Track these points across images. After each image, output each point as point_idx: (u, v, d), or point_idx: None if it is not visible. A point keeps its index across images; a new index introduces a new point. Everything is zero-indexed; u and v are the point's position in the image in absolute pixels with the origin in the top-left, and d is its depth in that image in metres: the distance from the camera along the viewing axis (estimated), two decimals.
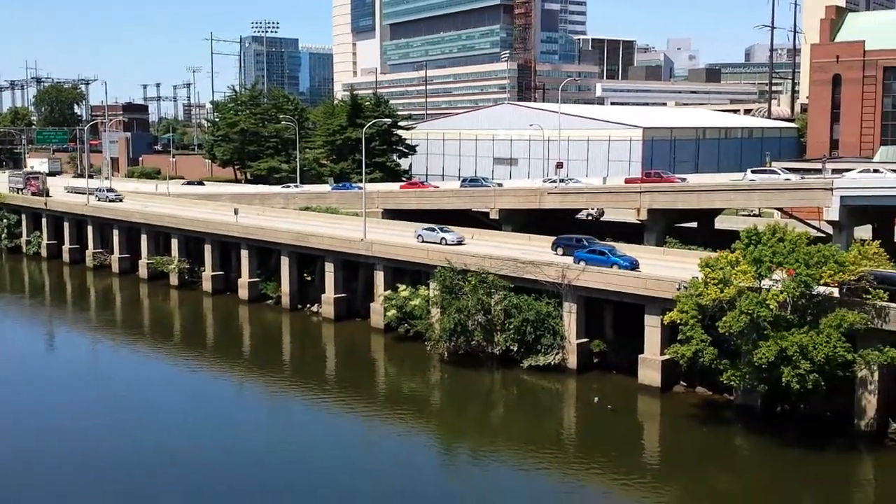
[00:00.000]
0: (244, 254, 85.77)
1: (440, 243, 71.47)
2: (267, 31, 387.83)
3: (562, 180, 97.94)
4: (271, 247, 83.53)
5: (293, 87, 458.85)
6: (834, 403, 48.70)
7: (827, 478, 43.18)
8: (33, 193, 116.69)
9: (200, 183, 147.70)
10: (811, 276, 45.79)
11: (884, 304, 45.54)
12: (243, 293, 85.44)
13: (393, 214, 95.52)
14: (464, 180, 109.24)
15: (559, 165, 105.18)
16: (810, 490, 42.17)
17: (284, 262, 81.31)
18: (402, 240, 74.67)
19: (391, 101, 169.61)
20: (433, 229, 74.93)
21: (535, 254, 66.10)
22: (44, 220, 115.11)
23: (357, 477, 43.57)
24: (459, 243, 72.01)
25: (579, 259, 62.03)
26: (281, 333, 77.21)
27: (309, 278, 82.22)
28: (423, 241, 73.18)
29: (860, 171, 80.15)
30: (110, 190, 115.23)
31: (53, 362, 69.94)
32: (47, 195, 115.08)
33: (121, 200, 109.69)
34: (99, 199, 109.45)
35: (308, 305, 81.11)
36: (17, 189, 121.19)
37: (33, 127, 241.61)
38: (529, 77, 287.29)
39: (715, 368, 48.92)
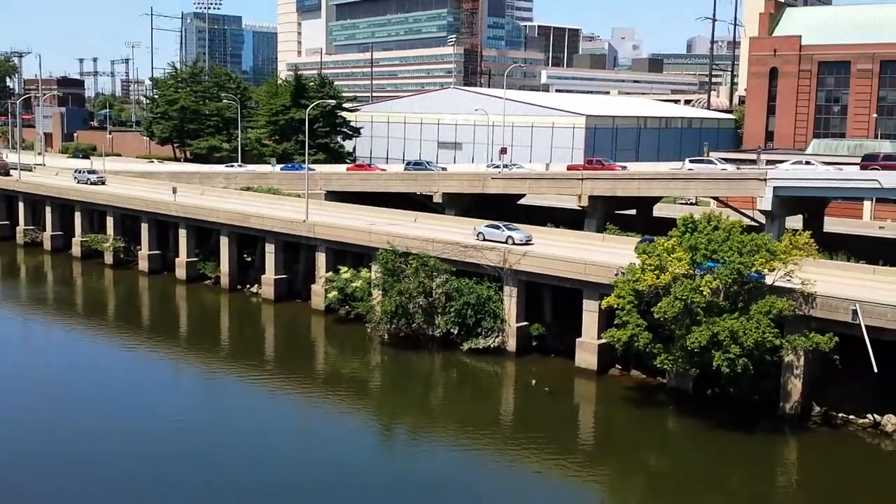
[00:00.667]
0: (182, 233, 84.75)
1: (506, 242, 63.66)
2: (209, 8, 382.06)
3: (505, 166, 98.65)
4: (211, 227, 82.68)
5: (236, 65, 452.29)
6: (762, 387, 50.21)
7: (753, 459, 44.59)
8: None
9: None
10: (744, 263, 47.07)
11: (811, 291, 47.04)
12: (181, 273, 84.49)
13: (336, 196, 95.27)
14: (408, 163, 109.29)
15: (503, 151, 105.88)
16: (737, 470, 43.51)
17: (224, 243, 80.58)
18: (345, 221, 74.56)
19: (336, 83, 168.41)
20: (497, 227, 65.93)
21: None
22: None
23: (293, 459, 43.67)
24: (527, 243, 64.30)
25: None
26: (219, 314, 76.60)
27: (249, 259, 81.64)
28: (484, 240, 64.79)
29: (793, 163, 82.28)
30: (92, 171, 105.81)
31: None
32: (7, 174, 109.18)
33: (103, 183, 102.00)
34: (79, 182, 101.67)
35: (248, 286, 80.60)
36: None
37: None
38: (475, 62, 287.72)
39: (649, 352, 50.04)
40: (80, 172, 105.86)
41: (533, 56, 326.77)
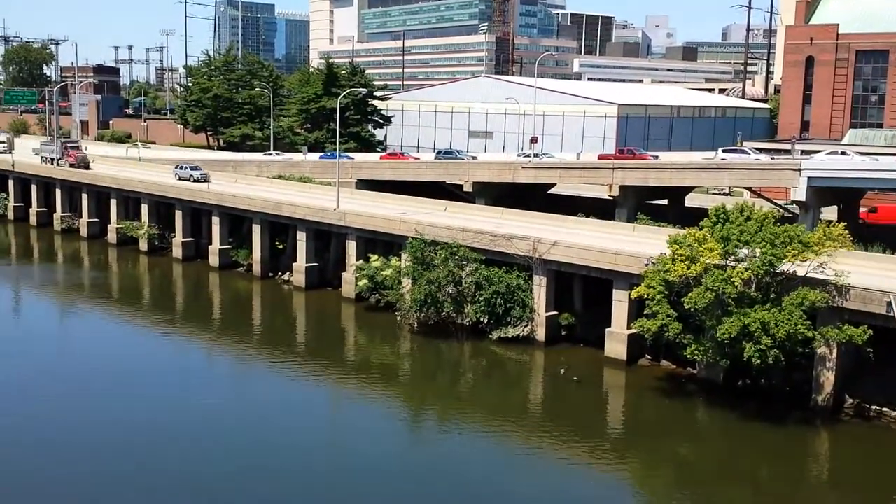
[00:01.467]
0: (215, 221, 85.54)
1: (189, 180, 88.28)
2: None
3: (536, 155, 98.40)
4: (243, 214, 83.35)
5: (268, 53, 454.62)
6: (793, 379, 49.83)
7: (784, 450, 44.32)
8: (71, 165, 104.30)
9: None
10: (776, 255, 46.69)
11: (844, 283, 46.56)
12: (214, 260, 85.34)
13: (367, 185, 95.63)
14: (438, 152, 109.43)
15: (534, 140, 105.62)
16: (768, 461, 43.25)
17: (256, 230, 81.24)
18: (376, 210, 74.86)
19: (367, 71, 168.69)
20: (184, 167, 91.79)
21: (507, 227, 66.56)
22: (10, 183, 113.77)
23: (322, 445, 44.10)
24: (204, 180, 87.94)
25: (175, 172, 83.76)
26: (251, 301, 77.31)
27: (281, 247, 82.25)
28: (179, 179, 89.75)
29: (828, 153, 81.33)
30: (195, 168, 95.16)
31: (21, 324, 69.68)
32: (86, 167, 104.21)
33: (206, 181, 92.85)
34: (180, 179, 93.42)
35: (279, 274, 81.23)
36: (51, 160, 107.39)
37: (0, 87, 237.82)
38: (507, 50, 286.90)
39: (679, 343, 49.82)
40: (182, 168, 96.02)
41: (565, 44, 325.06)
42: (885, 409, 47.48)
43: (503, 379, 56.88)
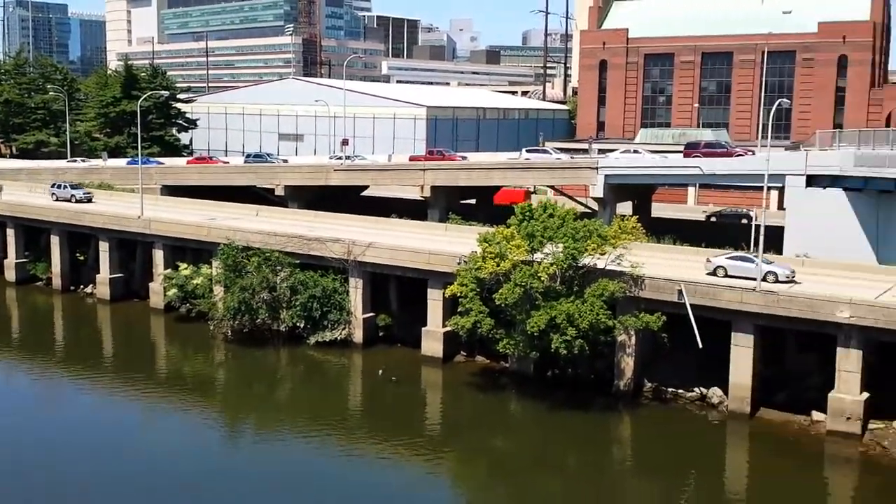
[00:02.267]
0: (10, 233, 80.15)
1: (70, 200, 77.57)
2: None
3: (347, 157, 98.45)
4: (41, 226, 78.55)
5: (62, 55, 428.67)
6: (597, 367, 52.63)
7: (591, 436, 46.87)
8: None
9: None
10: (577, 249, 49.18)
11: (640, 273, 49.71)
12: (10, 275, 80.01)
13: (174, 191, 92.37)
14: (248, 156, 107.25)
15: (345, 142, 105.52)
16: (577, 448, 45.60)
17: (55, 242, 76.79)
18: (183, 217, 72.53)
19: (170, 73, 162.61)
20: (61, 186, 78.62)
21: (321, 230, 66.27)
22: None
23: (134, 461, 42.39)
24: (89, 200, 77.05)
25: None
26: (52, 316, 73.03)
27: (82, 258, 78.16)
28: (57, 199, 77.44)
29: (622, 152, 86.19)
30: (76, 186, 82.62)
31: None
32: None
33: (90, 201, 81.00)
34: (58, 199, 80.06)
35: (81, 287, 77.17)
36: None
37: None
38: (315, 52, 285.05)
39: (492, 338, 51.47)
40: (59, 188, 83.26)
41: (373, 46, 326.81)
42: (679, 391, 51.03)
43: (322, 383, 56.68)
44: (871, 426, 44.71)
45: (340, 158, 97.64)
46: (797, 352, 50.27)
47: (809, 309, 45.41)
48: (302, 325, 61.08)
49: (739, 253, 53.18)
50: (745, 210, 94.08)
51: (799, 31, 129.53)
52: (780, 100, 56.98)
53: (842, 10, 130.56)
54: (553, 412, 49.31)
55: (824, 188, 64.89)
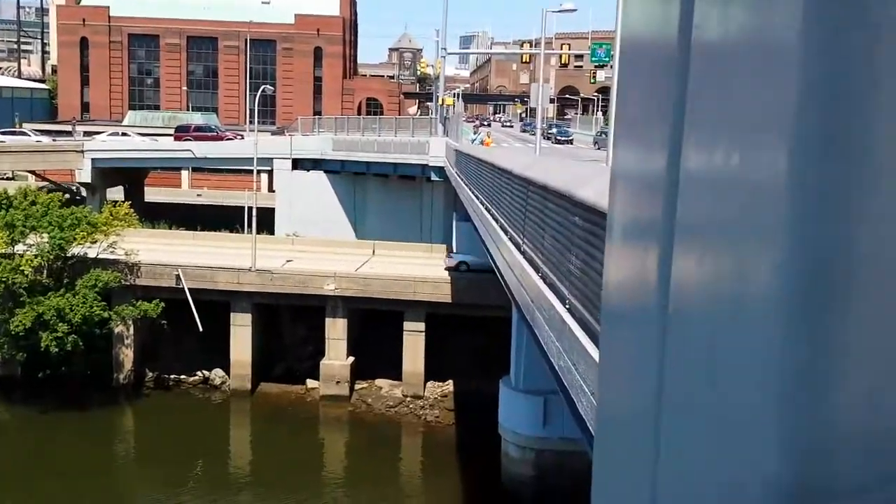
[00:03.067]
0: None
1: None
2: None
3: None
4: None
5: None
6: (94, 362, 50.36)
7: (91, 433, 44.84)
8: None
9: None
10: (65, 238, 46.43)
11: (135, 261, 48.61)
12: None
13: None
14: None
15: None
16: (75, 447, 43.35)
17: None
18: None
19: None
20: None
21: None
22: None
23: None
24: None
25: None
26: None
27: None
28: None
29: (110, 135, 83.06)
30: None
31: None
32: None
33: None
34: None
35: None
36: None
37: None
38: None
39: None
40: None
41: None
42: (182, 376, 51.13)
43: None
44: (357, 387, 49.44)
45: None
46: (292, 325, 53.47)
47: (301, 284, 48.59)
48: None
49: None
50: None
51: (279, 21, 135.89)
52: (263, 86, 59.61)
53: (316, 4, 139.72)
54: (48, 415, 46.09)
55: (308, 171, 69.50)
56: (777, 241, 0.60)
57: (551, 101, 74.29)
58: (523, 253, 19.66)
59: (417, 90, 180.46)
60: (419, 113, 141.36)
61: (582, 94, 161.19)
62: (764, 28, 0.59)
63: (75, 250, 47.74)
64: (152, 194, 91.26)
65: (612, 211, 1.05)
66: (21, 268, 45.21)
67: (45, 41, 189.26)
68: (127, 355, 49.80)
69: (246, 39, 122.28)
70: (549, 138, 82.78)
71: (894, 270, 0.56)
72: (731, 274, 0.67)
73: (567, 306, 13.26)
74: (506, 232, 23.17)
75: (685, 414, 0.76)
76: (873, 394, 0.60)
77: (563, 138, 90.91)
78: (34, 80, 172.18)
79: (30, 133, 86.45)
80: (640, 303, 0.86)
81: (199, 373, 51.26)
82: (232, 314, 49.23)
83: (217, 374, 50.97)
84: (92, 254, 48.48)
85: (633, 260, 0.90)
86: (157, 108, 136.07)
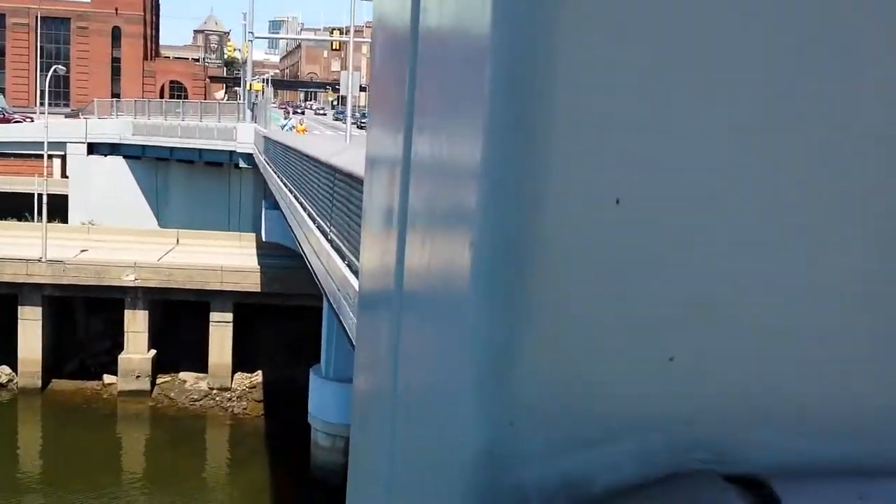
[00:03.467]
0: None
1: None
2: None
3: None
4: None
5: None
6: None
7: None
8: None
9: None
10: None
11: None
12: None
13: None
14: None
15: None
16: None
17: None
18: None
19: None
20: None
21: None
22: None
23: None
24: None
25: None
26: None
27: None
28: None
29: None
30: None
31: None
32: None
33: None
34: None
35: None
36: None
37: None
38: None
39: None
40: None
41: None
42: None
43: None
44: (158, 381, 47.53)
45: None
46: (88, 319, 50.67)
47: (98, 275, 46.09)
48: None
49: None
50: None
51: None
52: (55, 66, 56.06)
53: None
54: None
55: (105, 156, 66.00)
56: (471, 223, 0.64)
57: (362, 89, 74.32)
58: (331, 241, 19.53)
59: (225, 74, 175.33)
60: (227, 98, 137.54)
61: None
62: (466, 16, 0.61)
63: None
64: None
65: (365, 197, 1.05)
66: None
67: None
68: None
69: (36, 17, 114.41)
70: (362, 127, 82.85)
71: (577, 250, 0.61)
72: (444, 257, 0.69)
73: None
74: (313, 220, 22.95)
75: (414, 391, 0.78)
76: (555, 366, 0.64)
77: None
78: None
79: None
80: (383, 288, 0.86)
81: None
82: (20, 308, 46.03)
83: (3, 372, 47.52)
84: None
85: (381, 245, 0.90)
86: None
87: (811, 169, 0.54)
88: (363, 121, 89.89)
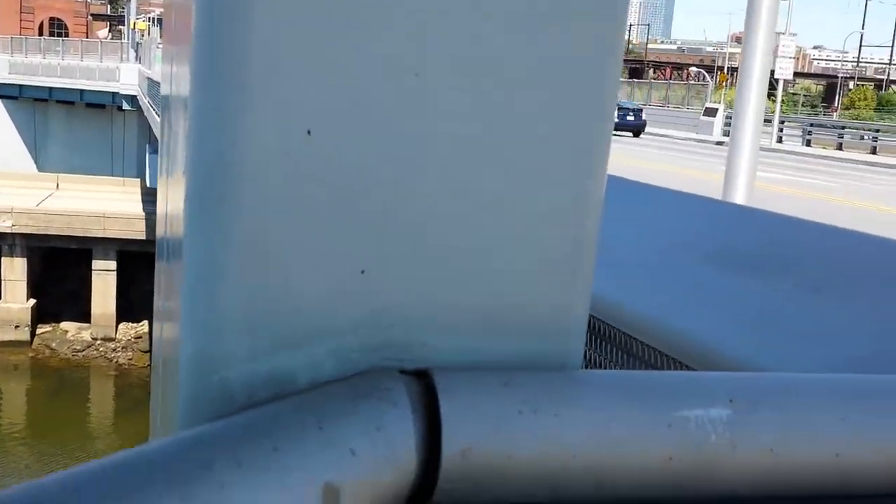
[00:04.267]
0: None
1: None
2: None
3: None
4: None
5: None
6: None
7: None
8: None
9: None
10: None
11: None
12: None
13: None
14: None
15: None
16: None
17: None
18: None
19: None
20: None
21: None
22: None
23: None
24: None
25: None
26: None
27: None
28: None
29: None
30: None
31: None
32: None
33: None
34: None
35: None
36: None
37: None
38: None
39: None
40: None
41: None
42: None
43: None
44: (39, 331, 45.98)
45: None
46: None
47: None
48: None
49: None
50: None
51: None
52: None
53: None
54: None
55: None
56: (184, 154, 0.75)
57: None
58: None
59: (109, 12, 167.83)
60: (111, 37, 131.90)
61: None
62: None
63: None
64: None
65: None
66: None
67: None
68: None
69: None
70: None
71: (273, 176, 0.74)
72: (178, 192, 0.80)
73: None
74: None
75: (166, 319, 0.92)
76: (257, 280, 0.75)
77: None
78: None
79: None
80: (161, 233, 1.01)
81: None
82: None
83: None
84: None
85: (160, 192, 1.05)
86: None
87: (462, 103, 0.73)
88: None
